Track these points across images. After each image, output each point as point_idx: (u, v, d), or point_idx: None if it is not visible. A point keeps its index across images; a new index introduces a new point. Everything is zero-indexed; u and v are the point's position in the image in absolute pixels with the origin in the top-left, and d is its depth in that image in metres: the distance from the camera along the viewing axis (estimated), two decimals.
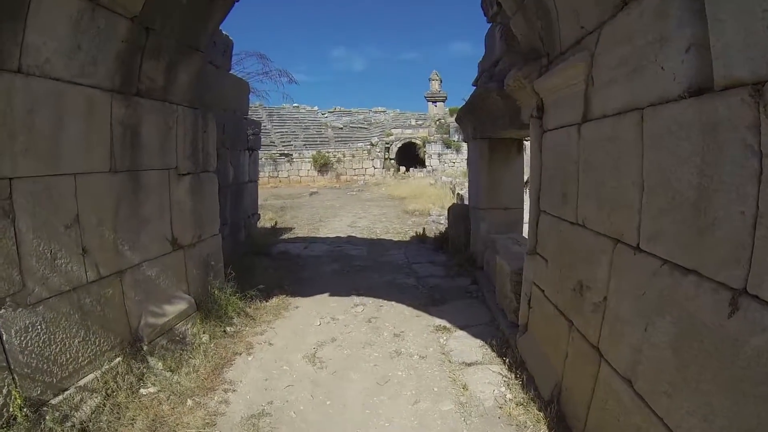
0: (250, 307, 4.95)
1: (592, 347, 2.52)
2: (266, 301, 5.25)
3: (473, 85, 7.41)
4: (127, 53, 3.21)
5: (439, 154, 31.88)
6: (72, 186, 2.90)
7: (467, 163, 7.56)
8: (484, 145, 6.46)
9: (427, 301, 5.58)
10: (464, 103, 7.21)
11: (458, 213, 7.76)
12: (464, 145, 32.45)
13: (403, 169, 31.24)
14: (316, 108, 40.77)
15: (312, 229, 10.81)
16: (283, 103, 37.32)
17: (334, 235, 9.84)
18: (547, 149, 3.72)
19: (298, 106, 40.08)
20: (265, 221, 12.09)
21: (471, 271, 6.73)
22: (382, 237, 9.64)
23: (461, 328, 4.75)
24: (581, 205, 2.90)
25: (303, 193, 21.59)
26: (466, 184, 16.69)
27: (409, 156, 32.61)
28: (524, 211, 7.02)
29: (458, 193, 14.74)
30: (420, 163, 32.21)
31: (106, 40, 2.96)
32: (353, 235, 9.89)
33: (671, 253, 1.86)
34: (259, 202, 17.35)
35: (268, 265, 6.87)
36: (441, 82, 43.40)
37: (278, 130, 35.34)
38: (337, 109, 41.48)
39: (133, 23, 3.12)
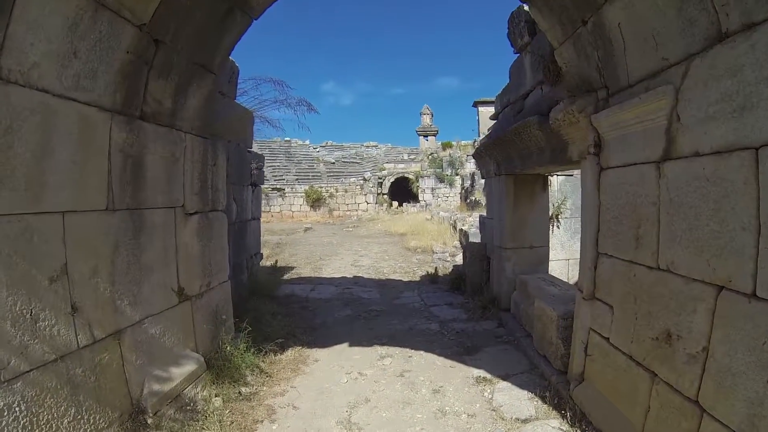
0: (264, 362, 4.34)
1: (689, 401, 2.33)
2: (281, 354, 4.64)
3: (493, 118, 7.06)
4: (132, 68, 2.72)
5: (433, 189, 31.65)
6: (59, 227, 2.35)
7: (487, 200, 7.13)
8: (510, 182, 6.02)
9: (458, 349, 5.06)
10: (485, 138, 6.82)
11: (475, 252, 7.27)
12: (457, 180, 32.36)
13: (396, 204, 30.91)
14: (307, 142, 40.62)
15: (314, 269, 10.22)
16: (296, 137, 37.39)
17: (339, 276, 9.26)
18: (609, 187, 3.40)
19: (289, 141, 39.90)
20: (265, 259, 11.51)
21: (495, 313, 6.22)
22: (390, 277, 9.08)
23: (503, 378, 4.30)
24: (665, 250, 2.61)
25: (297, 229, 21.01)
26: (468, 220, 16.34)
27: (402, 191, 32.35)
28: (550, 249, 6.58)
29: (461, 229, 14.28)
30: (413, 197, 31.92)
31: (108, 49, 2.47)
32: (359, 275, 9.32)
33: None
34: None
35: (276, 311, 6.26)
36: (432, 116, 43.70)
37: (270, 164, 34.91)
38: (328, 144, 41.39)
39: (141, 32, 2.64)
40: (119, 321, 2.75)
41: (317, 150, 40.06)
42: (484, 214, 17.86)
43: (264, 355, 4.40)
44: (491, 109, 30.79)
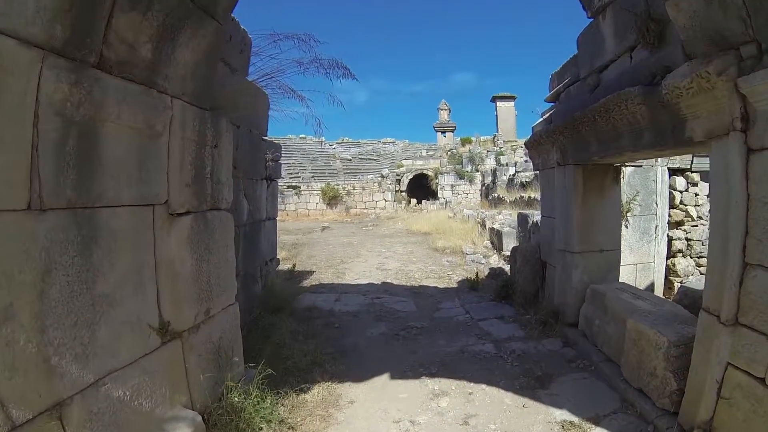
0: (284, 406, 3.32)
1: None
2: (305, 393, 3.61)
3: (550, 100, 5.96)
4: None
5: (452, 186, 30.65)
6: None
7: (543, 196, 6.02)
8: (578, 173, 4.93)
9: (527, 379, 4.04)
10: (543, 123, 5.72)
11: (527, 256, 6.18)
12: (477, 176, 31.17)
13: (414, 201, 29.88)
14: (323, 139, 39.57)
15: (336, 273, 9.19)
16: (289, 134, 36.39)
17: (365, 282, 8.21)
18: (765, 175, 2.40)
19: (304, 137, 39.00)
20: (282, 262, 10.53)
21: (558, 330, 5.16)
22: (423, 283, 8.02)
23: (594, 422, 3.34)
24: None
25: (314, 228, 20.05)
26: (498, 218, 15.19)
27: (420, 188, 31.33)
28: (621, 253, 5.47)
29: (491, 228, 13.20)
30: (432, 195, 30.90)
31: None
32: (388, 281, 8.26)
33: None
34: None
35: (297, 329, 5.25)
36: (450, 111, 42.51)
37: (285, 161, 33.95)
38: (344, 140, 40.39)
39: None
40: (58, 388, 1.73)
41: (333, 147, 39.08)
42: (509, 211, 16.85)
43: (284, 397, 3.37)
44: (510, 104, 29.82)
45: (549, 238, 5.79)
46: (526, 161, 28.74)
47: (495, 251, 11.67)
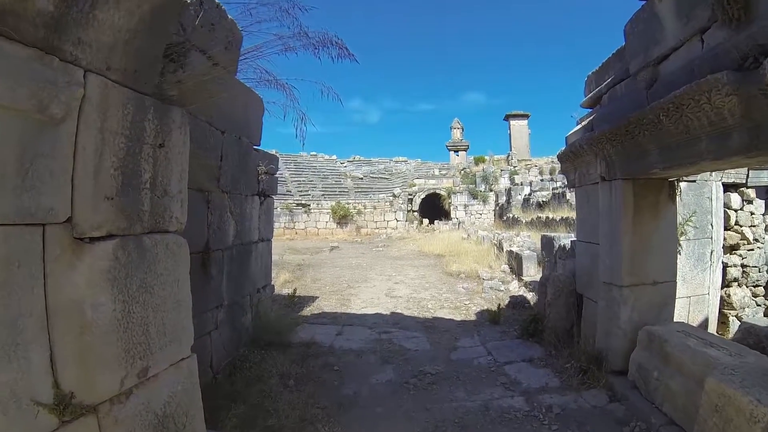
0: None
1: None
2: None
3: (587, 106, 5.18)
4: None
5: (466, 206, 29.80)
6: None
7: (580, 216, 5.16)
8: (628, 189, 4.09)
9: None
10: (583, 132, 4.91)
11: (560, 287, 5.29)
12: (491, 196, 30.29)
13: (426, 221, 29.04)
14: (334, 157, 39.21)
15: (341, 300, 8.32)
16: (301, 152, 35.84)
17: (372, 311, 7.33)
18: None
19: (316, 155, 38.58)
20: (281, 285, 9.70)
21: (601, 378, 4.25)
22: (437, 314, 7.11)
23: None
24: None
25: (322, 248, 19.24)
26: (517, 240, 14.27)
27: (433, 208, 30.53)
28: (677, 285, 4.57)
29: (509, 251, 12.29)
30: (445, 215, 30.09)
31: None
32: (398, 311, 7.37)
33: None
34: (274, 258, 15.09)
35: (287, 371, 4.43)
36: (463, 130, 41.91)
37: (295, 179, 33.56)
38: (356, 159, 39.87)
39: None
40: None
41: (344, 165, 38.55)
42: (527, 233, 15.89)
43: None
44: (523, 122, 29.11)
45: (588, 268, 4.91)
46: (542, 180, 27.91)
47: (514, 276, 10.75)
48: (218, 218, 4.55)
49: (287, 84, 4.42)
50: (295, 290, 8.30)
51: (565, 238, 7.75)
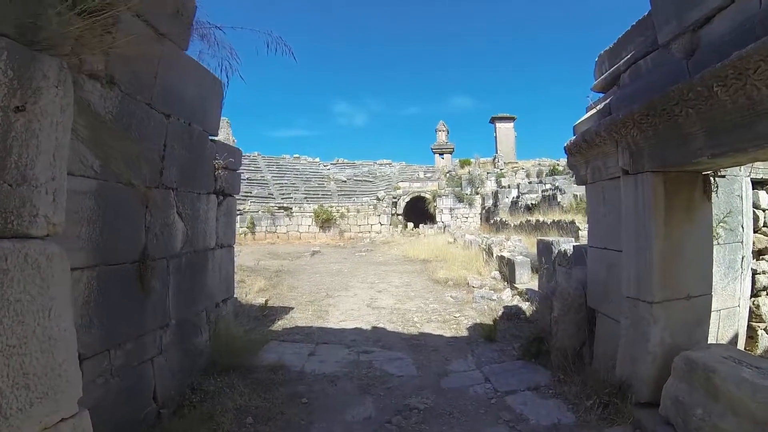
0: None
1: None
2: None
3: (599, 90, 4.48)
4: None
5: (451, 209, 29.20)
6: None
7: (593, 218, 4.43)
8: (659, 184, 3.37)
9: None
10: (594, 117, 4.20)
11: (569, 301, 4.55)
12: (477, 199, 29.67)
13: (411, 225, 28.33)
14: (317, 159, 38.38)
15: (318, 312, 7.48)
16: (284, 154, 34.92)
17: (351, 326, 6.51)
18: None
19: (299, 157, 37.73)
20: (255, 293, 8.85)
21: (625, 411, 3.51)
22: (424, 330, 6.31)
23: None
24: None
25: (303, 252, 18.39)
26: (507, 244, 13.55)
27: (418, 211, 29.84)
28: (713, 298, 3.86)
29: (500, 256, 11.57)
30: (430, 218, 29.41)
31: None
32: (380, 325, 6.56)
33: None
34: (251, 264, 14.11)
35: (246, 405, 3.65)
36: (448, 132, 41.33)
37: (277, 182, 32.65)
38: (339, 161, 39.08)
39: None
40: None
41: (327, 168, 37.72)
42: (517, 237, 15.21)
43: None
44: (509, 125, 28.67)
45: (603, 279, 4.18)
46: (529, 182, 27.36)
47: (506, 284, 10.03)
48: (161, 220, 3.72)
49: (209, 25, 3.53)
50: (266, 301, 7.47)
51: (565, 243, 7.05)
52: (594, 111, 4.26)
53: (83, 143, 2.92)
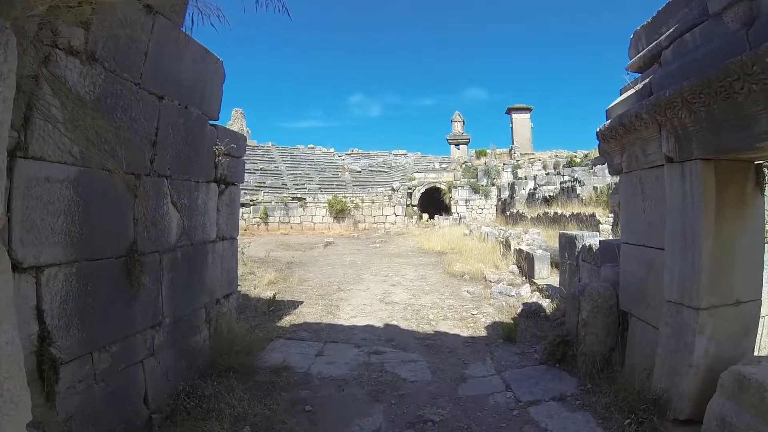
0: None
1: None
2: None
3: (635, 70, 4.05)
4: None
5: (467, 200, 28.74)
6: None
7: (627, 212, 4.02)
8: (708, 174, 2.96)
9: None
10: (632, 98, 3.79)
11: (599, 303, 4.16)
12: (493, 190, 29.11)
13: (426, 216, 27.95)
14: (332, 149, 38.06)
15: (328, 306, 7.17)
16: (298, 144, 34.64)
17: (363, 323, 6.18)
18: None
19: (313, 147, 37.47)
20: (265, 286, 8.58)
21: (659, 427, 3.15)
22: (439, 328, 5.96)
23: None
24: None
25: (317, 243, 18.12)
26: (525, 237, 13.07)
27: (433, 202, 29.44)
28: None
29: (518, 250, 11.15)
30: (445, 209, 29.00)
31: None
32: (393, 322, 6.21)
33: None
34: (262, 255, 13.87)
35: (243, 413, 3.37)
36: (464, 123, 40.74)
37: (291, 172, 32.43)
38: (354, 152, 38.71)
39: None
40: None
41: (342, 158, 37.38)
42: (536, 230, 14.68)
43: None
44: (525, 116, 28.06)
45: (639, 279, 3.78)
46: (547, 174, 26.73)
47: (524, 279, 9.62)
48: (153, 211, 3.41)
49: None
50: (274, 296, 7.19)
51: (589, 237, 6.62)
52: (631, 92, 3.83)
53: (60, 126, 2.61)
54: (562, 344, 4.53)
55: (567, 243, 7.16)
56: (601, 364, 4.15)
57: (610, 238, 7.51)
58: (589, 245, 6.27)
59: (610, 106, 4.13)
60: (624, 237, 4.08)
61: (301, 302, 7.43)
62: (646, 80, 3.64)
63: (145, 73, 3.28)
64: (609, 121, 3.92)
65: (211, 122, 4.23)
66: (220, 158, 4.21)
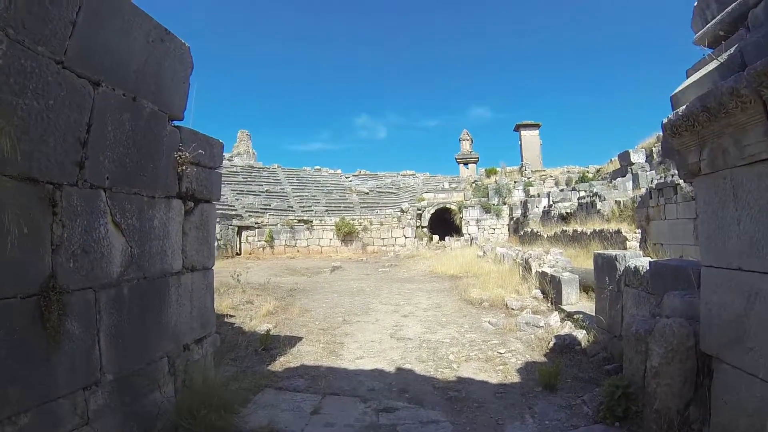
0: None
1: None
2: None
3: (708, 44, 3.15)
4: None
5: (478, 220, 27.81)
6: None
7: (706, 226, 3.07)
8: None
9: None
10: (706, 78, 2.89)
11: (675, 346, 3.19)
12: (505, 209, 28.08)
13: (436, 238, 27.05)
14: (339, 171, 37.43)
15: (330, 344, 6.19)
16: (304, 166, 34.05)
17: (370, 366, 5.19)
18: None
19: (320, 169, 36.87)
20: (260, 319, 7.66)
21: None
22: (462, 373, 4.94)
23: None
24: None
25: (323, 268, 17.22)
26: (547, 258, 12.07)
27: (442, 223, 28.59)
28: None
29: (541, 272, 10.15)
30: (455, 230, 28.09)
31: None
32: (406, 365, 5.21)
33: None
34: (267, 279, 12.76)
35: None
36: (472, 141, 40.06)
37: (297, 194, 31.74)
38: (362, 173, 38.05)
39: None
40: None
41: (349, 179, 36.72)
42: (558, 249, 13.67)
43: None
44: (534, 132, 27.30)
45: (735, 315, 2.81)
46: (561, 190, 25.68)
47: (550, 306, 8.62)
48: (82, 234, 2.54)
49: None
50: (268, 331, 6.24)
51: (633, 258, 5.65)
52: (710, 67, 2.93)
53: None
54: (623, 398, 3.53)
55: (606, 264, 6.17)
56: (678, 424, 3.17)
57: (651, 258, 6.53)
58: (635, 267, 5.30)
59: (677, 90, 3.23)
60: (706, 258, 3.12)
61: (300, 338, 6.47)
62: (732, 49, 2.74)
63: (71, 49, 2.44)
64: (682, 107, 3.01)
65: (174, 123, 3.37)
66: (186, 168, 3.35)
